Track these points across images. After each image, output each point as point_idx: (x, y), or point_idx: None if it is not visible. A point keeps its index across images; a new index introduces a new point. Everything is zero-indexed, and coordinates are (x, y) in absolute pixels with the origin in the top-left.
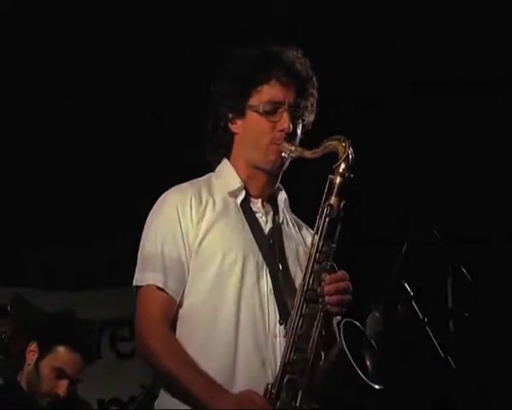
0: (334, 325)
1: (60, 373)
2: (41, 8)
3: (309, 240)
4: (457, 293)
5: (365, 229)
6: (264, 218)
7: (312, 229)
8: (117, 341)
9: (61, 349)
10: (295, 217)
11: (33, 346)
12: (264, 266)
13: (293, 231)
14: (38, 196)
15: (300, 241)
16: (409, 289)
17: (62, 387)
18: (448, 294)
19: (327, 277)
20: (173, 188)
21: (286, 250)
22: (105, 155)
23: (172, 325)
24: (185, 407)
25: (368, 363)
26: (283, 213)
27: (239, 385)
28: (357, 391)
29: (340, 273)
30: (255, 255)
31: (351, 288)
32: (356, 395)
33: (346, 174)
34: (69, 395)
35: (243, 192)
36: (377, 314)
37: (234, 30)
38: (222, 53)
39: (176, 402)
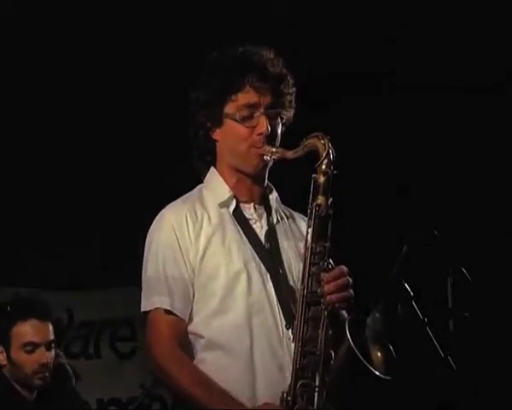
0: (343, 315)
1: (30, 346)
2: (42, 9)
3: (305, 229)
4: (457, 293)
5: (365, 229)
6: (258, 223)
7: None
8: (117, 341)
9: (16, 328)
10: (288, 209)
11: None
12: (267, 273)
13: (289, 227)
14: (38, 196)
15: (298, 235)
16: (409, 289)
17: (42, 356)
18: (448, 294)
19: (325, 276)
20: (167, 207)
21: (285, 252)
22: (105, 156)
23: (186, 344)
24: None
25: (377, 355)
26: (277, 213)
27: (260, 393)
28: (369, 385)
29: (338, 270)
30: (257, 263)
31: (350, 282)
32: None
33: (329, 171)
34: (52, 361)
35: (234, 201)
36: (377, 314)
37: (234, 30)
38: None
39: None
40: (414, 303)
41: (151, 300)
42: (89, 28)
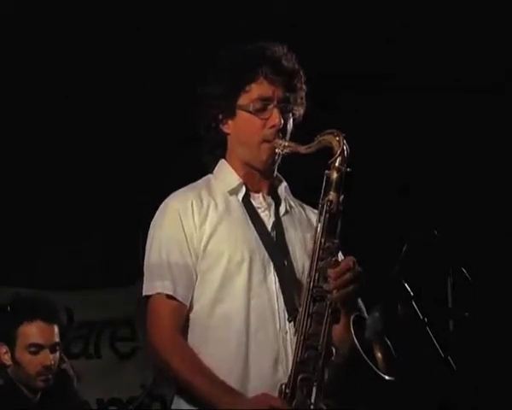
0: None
1: (35, 348)
2: (42, 9)
3: (314, 220)
4: (457, 293)
5: (365, 229)
6: (266, 212)
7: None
8: (117, 341)
9: (22, 329)
10: (298, 200)
11: (3, 348)
12: (271, 263)
13: (298, 217)
14: (38, 197)
15: (306, 226)
16: (409, 289)
17: (46, 358)
18: (448, 294)
19: (331, 272)
20: (173, 194)
21: (291, 243)
22: (105, 157)
23: (184, 330)
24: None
25: (378, 355)
26: (286, 202)
27: (252, 384)
28: (369, 385)
29: (344, 264)
30: (261, 253)
31: (357, 274)
32: (367, 389)
33: (343, 168)
34: (56, 363)
35: (243, 188)
36: (377, 314)
37: (234, 30)
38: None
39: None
40: (414, 303)
41: (153, 284)
42: (88, 28)
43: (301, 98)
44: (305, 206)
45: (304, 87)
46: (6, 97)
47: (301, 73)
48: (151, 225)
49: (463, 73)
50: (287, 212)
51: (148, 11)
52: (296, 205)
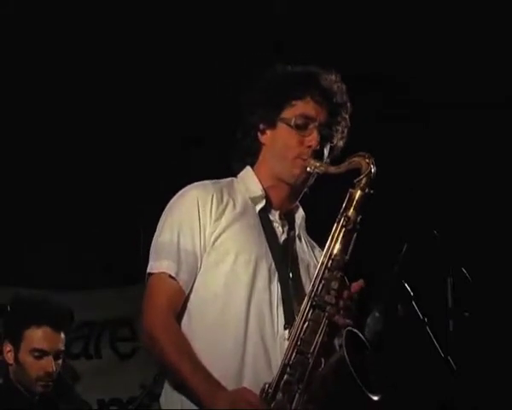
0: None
1: (39, 353)
2: (42, 9)
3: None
4: (457, 293)
5: (365, 229)
6: (280, 228)
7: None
8: (117, 341)
9: (29, 332)
10: (309, 238)
11: (8, 346)
12: (276, 274)
13: (305, 248)
14: (38, 197)
15: (312, 258)
16: (409, 289)
17: (48, 364)
18: (448, 294)
19: (336, 286)
20: (195, 184)
21: (298, 261)
22: (105, 158)
23: (179, 318)
24: (183, 398)
25: (368, 372)
26: (299, 229)
27: (245, 384)
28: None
29: (352, 290)
30: (268, 261)
31: (353, 307)
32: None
33: (367, 189)
34: (58, 370)
35: (263, 201)
36: (377, 314)
37: (234, 30)
38: (222, 54)
39: (177, 395)
40: (414, 303)
41: (159, 263)
42: (89, 29)
43: (342, 131)
44: (314, 245)
45: (348, 121)
46: (6, 97)
47: (348, 106)
48: (167, 207)
49: (467, 87)
50: (299, 236)
51: (149, 12)
52: (307, 242)
